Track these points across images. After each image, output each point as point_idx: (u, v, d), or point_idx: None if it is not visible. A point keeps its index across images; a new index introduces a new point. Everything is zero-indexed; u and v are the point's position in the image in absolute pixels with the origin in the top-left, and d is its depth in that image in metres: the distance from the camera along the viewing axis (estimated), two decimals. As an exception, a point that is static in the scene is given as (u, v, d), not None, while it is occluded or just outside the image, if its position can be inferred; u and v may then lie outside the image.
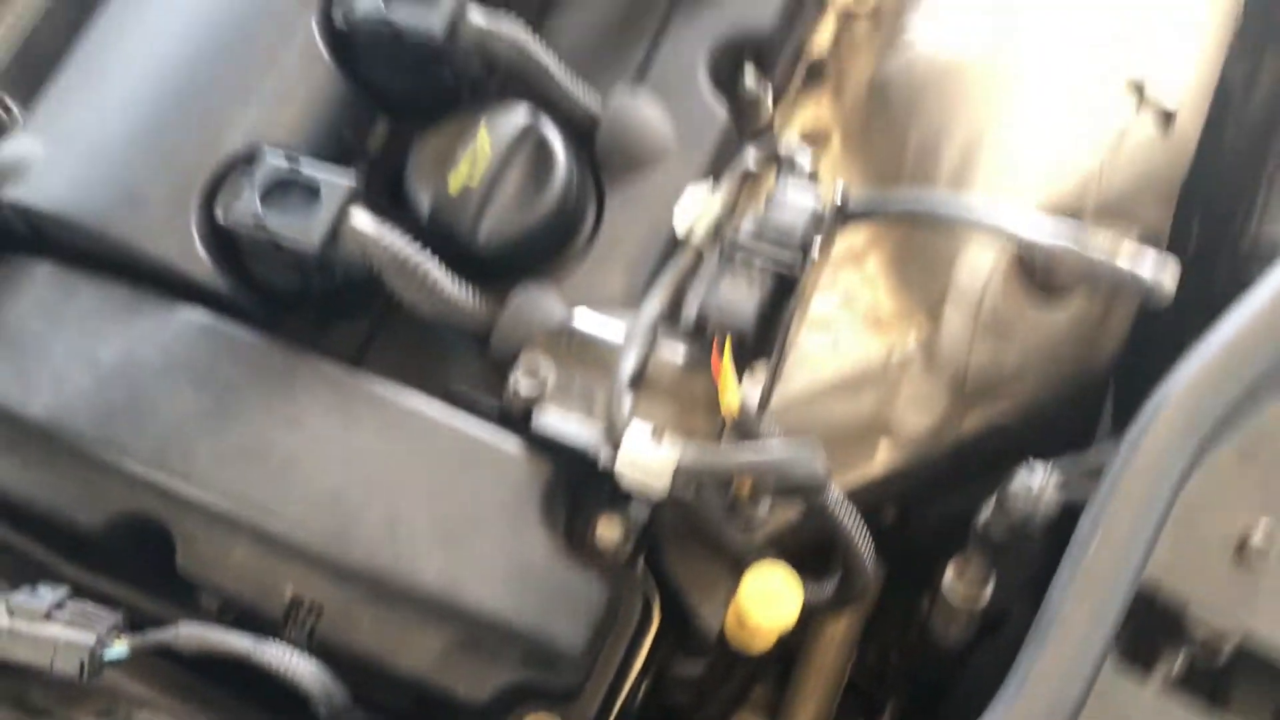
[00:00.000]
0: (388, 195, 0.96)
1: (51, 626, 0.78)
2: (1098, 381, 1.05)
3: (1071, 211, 0.97)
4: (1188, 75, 0.97)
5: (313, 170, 0.86)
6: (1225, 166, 1.18)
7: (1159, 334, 0.99)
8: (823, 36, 1.11)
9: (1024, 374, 1.00)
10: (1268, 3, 1.22)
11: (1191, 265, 1.16)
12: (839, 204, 0.88)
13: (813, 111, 1.10)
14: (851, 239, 1.02)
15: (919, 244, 1.00)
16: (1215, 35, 1.00)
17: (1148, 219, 1.00)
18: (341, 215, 0.84)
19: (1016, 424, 1.01)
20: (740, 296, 0.82)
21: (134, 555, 0.87)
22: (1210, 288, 1.10)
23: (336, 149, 0.95)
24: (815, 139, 1.09)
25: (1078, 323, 1.00)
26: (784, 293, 0.84)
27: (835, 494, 0.81)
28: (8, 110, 1.01)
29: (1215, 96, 1.15)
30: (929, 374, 0.99)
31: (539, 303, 0.89)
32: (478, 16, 0.92)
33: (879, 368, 0.99)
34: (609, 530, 0.86)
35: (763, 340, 0.84)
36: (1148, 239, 1.01)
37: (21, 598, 0.79)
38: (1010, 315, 0.98)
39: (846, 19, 1.13)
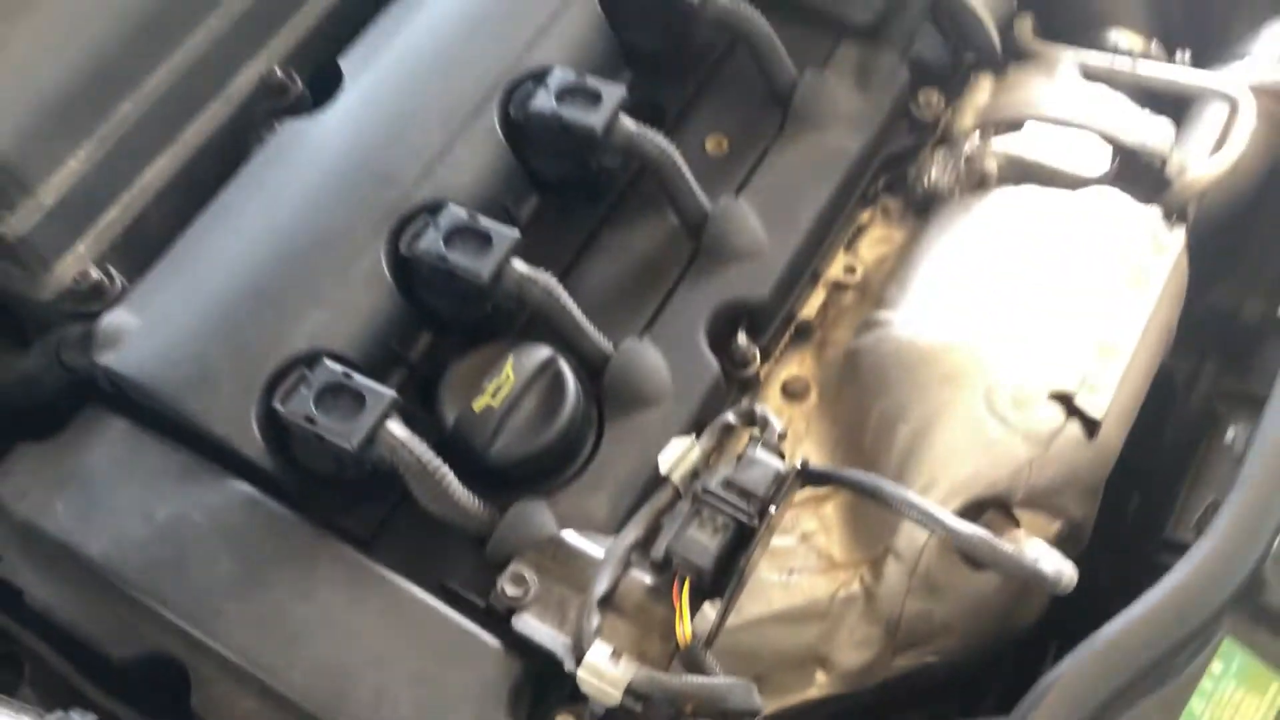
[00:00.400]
0: (419, 398, 1.11)
1: (78, 749, 0.91)
2: (1025, 636, 1.18)
3: (1004, 498, 1.12)
4: (1114, 391, 1.13)
5: (361, 381, 1.02)
6: (1163, 457, 1.34)
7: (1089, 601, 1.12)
8: (813, 302, 1.28)
9: (951, 628, 1.13)
10: (1207, 314, 1.39)
11: (1128, 540, 1.31)
12: (800, 469, 1.03)
13: (796, 368, 1.26)
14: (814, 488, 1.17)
15: (871, 504, 1.15)
16: (1142, 359, 1.17)
17: (1071, 511, 1.15)
18: (380, 422, 1.00)
19: (944, 669, 1.15)
20: (704, 541, 0.96)
21: (152, 689, 1.01)
22: (1140, 565, 1.24)
23: (383, 356, 1.12)
24: (795, 392, 1.25)
25: (1001, 589, 1.13)
26: (743, 542, 0.98)
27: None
28: (111, 280, 1.18)
29: (1159, 390, 1.31)
30: (867, 618, 1.13)
31: (533, 518, 1.04)
32: (520, 265, 1.10)
33: (824, 606, 1.13)
34: (565, 724, 0.99)
35: (719, 581, 0.98)
36: (1071, 529, 1.16)
37: (57, 716, 0.92)
38: (941, 578, 1.12)
39: (836, 288, 1.30)
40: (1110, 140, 1.24)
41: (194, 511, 1.02)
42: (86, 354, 1.10)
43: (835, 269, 1.29)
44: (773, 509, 0.99)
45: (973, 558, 1.04)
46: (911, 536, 1.11)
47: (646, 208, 1.24)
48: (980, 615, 1.14)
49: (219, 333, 1.08)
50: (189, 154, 1.24)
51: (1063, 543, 1.15)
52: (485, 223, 1.10)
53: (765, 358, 1.22)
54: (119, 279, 1.18)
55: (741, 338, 1.18)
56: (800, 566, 1.16)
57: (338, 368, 1.03)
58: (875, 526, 1.14)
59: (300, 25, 1.32)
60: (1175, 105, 1.34)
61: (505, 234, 1.08)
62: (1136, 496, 1.38)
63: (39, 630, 1.06)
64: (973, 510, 1.12)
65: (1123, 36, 1.40)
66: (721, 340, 1.18)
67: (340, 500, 1.07)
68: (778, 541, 1.15)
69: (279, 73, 1.29)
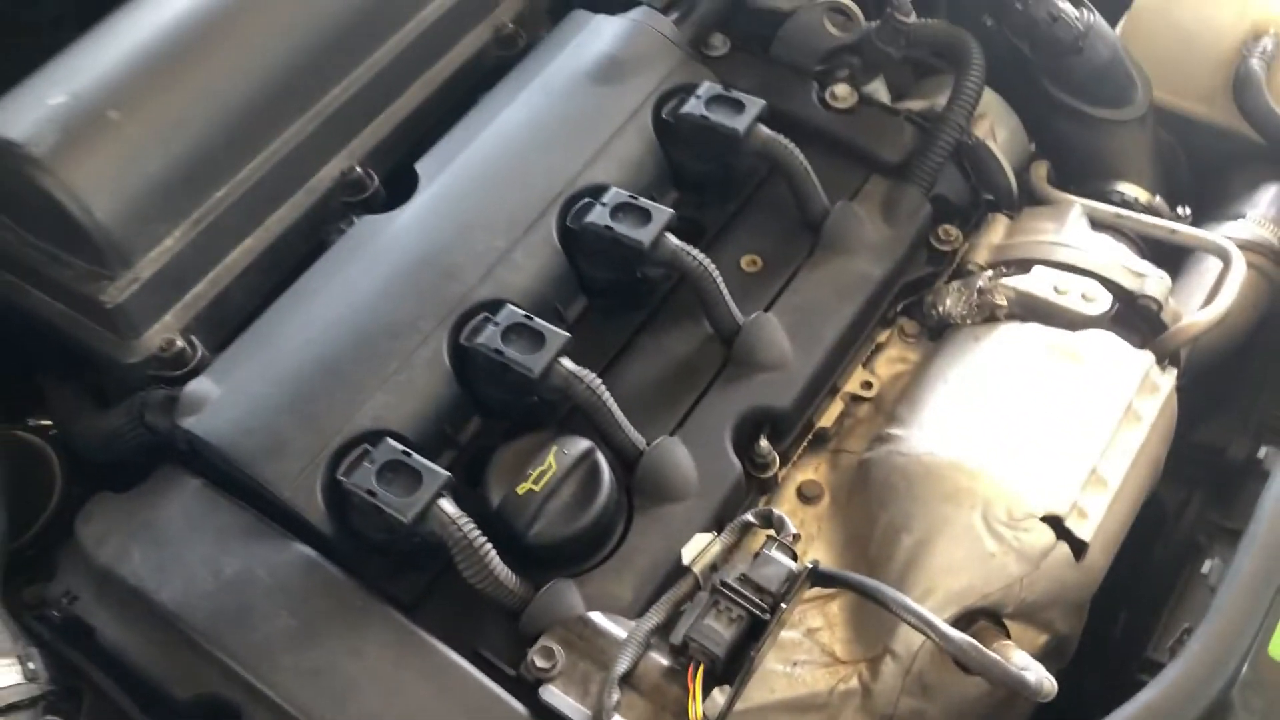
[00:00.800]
0: (465, 477, 1.22)
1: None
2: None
3: (995, 609, 1.21)
4: (1101, 518, 1.23)
5: (419, 461, 1.12)
6: (1149, 581, 1.43)
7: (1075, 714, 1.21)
8: (831, 413, 1.39)
9: (940, 728, 1.22)
10: (1197, 450, 1.49)
11: (1113, 657, 1.40)
12: (810, 569, 1.12)
13: (811, 473, 1.37)
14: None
15: (874, 605, 1.24)
16: (1130, 490, 1.27)
17: (1058, 626, 1.24)
18: (434, 500, 1.10)
19: (934, 765, 1.23)
20: (719, 630, 1.06)
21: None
22: (1123, 681, 1.33)
23: (436, 436, 1.23)
24: (810, 495, 1.35)
25: (989, 694, 1.22)
26: (755, 633, 1.08)
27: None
28: (193, 349, 1.30)
29: (1149, 518, 1.41)
30: (863, 712, 1.21)
31: (563, 597, 1.14)
32: (568, 363, 1.21)
33: (823, 698, 1.22)
34: (579, 793, 1.07)
35: (730, 668, 1.07)
36: (1057, 643, 1.26)
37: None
38: (933, 680, 1.21)
39: (853, 401, 1.41)
40: (1111, 286, 1.36)
41: (258, 568, 1.13)
42: (168, 417, 1.22)
43: (853, 383, 1.40)
44: (784, 605, 1.08)
45: (963, 663, 1.13)
46: (908, 639, 1.20)
47: (683, 316, 1.35)
48: (968, 717, 1.23)
49: (292, 406, 1.19)
50: (271, 239, 1.37)
51: (1048, 655, 1.24)
52: (539, 323, 1.21)
53: (784, 462, 1.33)
54: (200, 348, 1.30)
55: (764, 443, 1.29)
56: (804, 660, 1.25)
57: (398, 446, 1.14)
58: (875, 627, 1.23)
59: (380, 129, 1.45)
60: (1173, 256, 1.46)
61: (557, 335, 1.20)
62: (1123, 615, 1.47)
63: (105, 667, 1.15)
64: (966, 619, 1.21)
65: (1129, 189, 1.52)
66: (745, 443, 1.28)
67: (388, 567, 1.17)
68: (785, 635, 1.25)
69: (358, 170, 1.42)
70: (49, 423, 1.43)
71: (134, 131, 1.26)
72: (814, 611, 1.28)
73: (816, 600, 1.28)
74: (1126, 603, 1.45)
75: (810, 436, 1.37)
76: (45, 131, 1.22)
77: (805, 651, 1.26)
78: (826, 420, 1.38)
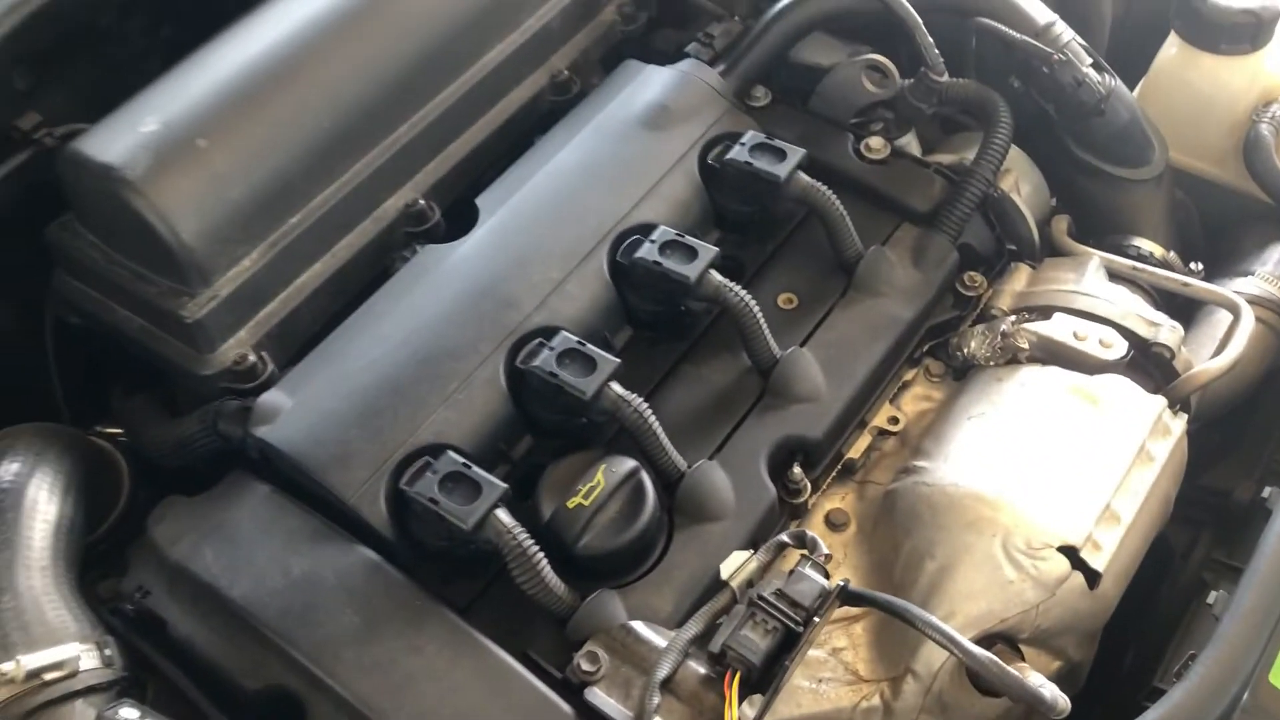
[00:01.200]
0: (517, 491, 1.30)
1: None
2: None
3: (1012, 634, 1.28)
4: (1114, 551, 1.30)
5: (478, 473, 1.21)
6: (1157, 618, 1.50)
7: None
8: (859, 445, 1.46)
9: (956, 746, 1.29)
10: (1205, 493, 1.57)
11: (1122, 689, 1.46)
12: (841, 587, 1.20)
13: (839, 502, 1.44)
14: (848, 608, 1.34)
15: (896, 626, 1.31)
16: (1142, 526, 1.34)
17: (1070, 653, 1.31)
18: (492, 509, 1.18)
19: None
20: (756, 640, 1.13)
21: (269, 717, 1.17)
22: (1130, 712, 1.39)
23: (492, 452, 1.31)
24: (837, 523, 1.43)
25: (1004, 716, 1.29)
26: (788, 645, 1.15)
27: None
28: (264, 364, 1.39)
29: (1158, 557, 1.48)
30: (884, 729, 1.29)
31: (607, 606, 1.21)
32: (617, 387, 1.29)
33: (847, 714, 1.29)
34: (617, 793, 1.14)
35: (764, 678, 1.14)
36: (1069, 669, 1.32)
37: (196, 730, 1.09)
38: (951, 700, 1.28)
39: (880, 434, 1.49)
40: (1127, 334, 1.44)
41: (324, 569, 1.20)
42: (241, 426, 1.30)
43: (880, 418, 1.48)
44: (816, 619, 1.16)
45: (982, 678, 1.20)
46: (929, 660, 1.27)
47: (722, 348, 1.44)
48: (983, 739, 1.29)
49: (359, 420, 1.27)
50: (339, 264, 1.46)
51: (1060, 681, 1.30)
52: (591, 349, 1.30)
53: (814, 490, 1.40)
54: (270, 364, 1.39)
55: (796, 470, 1.37)
56: (829, 677, 1.32)
57: (459, 459, 1.22)
58: (897, 648, 1.30)
59: (443, 165, 1.55)
60: (1186, 308, 1.54)
61: (608, 360, 1.28)
62: (1132, 650, 1.54)
63: (174, 659, 1.23)
64: (984, 643, 1.28)
65: (1145, 244, 1.61)
66: (778, 469, 1.36)
67: (443, 573, 1.24)
68: (811, 654, 1.32)
69: (422, 202, 1.51)
70: (115, 431, 1.52)
71: (220, 159, 1.35)
72: (839, 633, 1.35)
73: (841, 622, 1.35)
74: (1135, 638, 1.52)
75: (839, 467, 1.45)
76: (139, 157, 1.32)
77: (830, 670, 1.33)
78: (854, 452, 1.46)
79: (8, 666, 1.11)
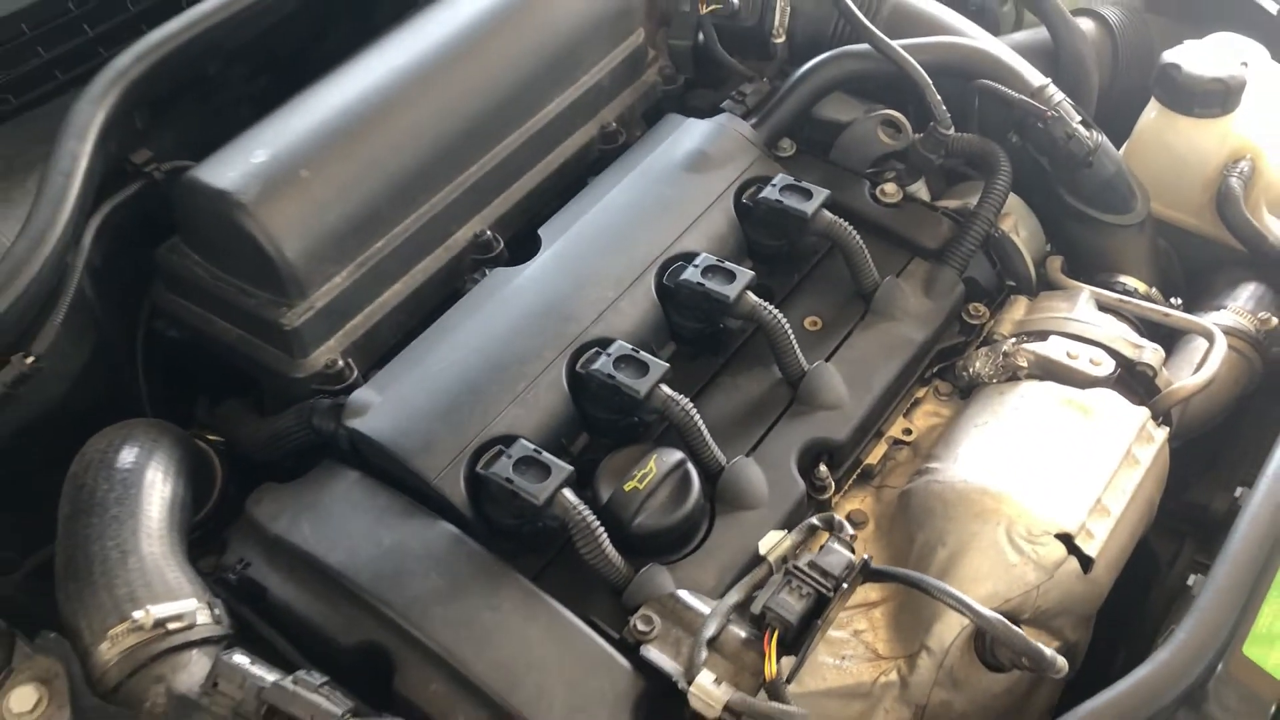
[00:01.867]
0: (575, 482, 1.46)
1: (317, 696, 1.23)
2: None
3: (1015, 614, 1.44)
4: (1105, 540, 1.47)
5: (548, 457, 1.38)
6: (1146, 621, 1.66)
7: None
8: (876, 453, 1.64)
9: (966, 718, 1.44)
10: (1187, 507, 1.74)
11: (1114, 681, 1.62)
12: (865, 561, 1.36)
13: (858, 503, 1.61)
14: (868, 593, 1.50)
15: (911, 609, 1.47)
16: (1129, 520, 1.51)
17: (1067, 634, 1.47)
18: (560, 488, 1.35)
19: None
20: (792, 603, 1.29)
21: (359, 673, 1.32)
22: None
23: (554, 446, 1.48)
24: (856, 522, 1.59)
25: (1009, 691, 1.45)
26: (820, 609, 1.31)
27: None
28: (350, 369, 1.57)
29: (1145, 566, 1.65)
30: (900, 701, 1.44)
31: (658, 578, 1.37)
32: (666, 388, 1.47)
33: (867, 688, 1.44)
34: (667, 742, 1.30)
35: (799, 638, 1.30)
36: (1066, 649, 1.48)
37: (303, 673, 1.24)
38: (962, 675, 1.43)
39: (895, 444, 1.66)
40: (1114, 354, 1.62)
41: (411, 540, 1.37)
42: (334, 420, 1.47)
43: (895, 429, 1.65)
44: (845, 586, 1.32)
45: (989, 654, 1.36)
46: (941, 637, 1.43)
47: (755, 363, 1.62)
48: (990, 711, 1.45)
49: (440, 414, 1.45)
50: (416, 284, 1.65)
51: (1058, 661, 1.47)
52: (644, 355, 1.48)
53: (837, 489, 1.57)
54: (355, 369, 1.57)
55: (822, 469, 1.54)
56: (851, 655, 1.48)
57: (530, 445, 1.39)
58: (913, 629, 1.46)
59: (506, 201, 1.75)
60: (1167, 340, 1.73)
61: (659, 365, 1.47)
62: (1123, 653, 1.70)
63: (271, 622, 1.38)
64: (990, 624, 1.44)
65: (1130, 281, 1.80)
66: (807, 468, 1.53)
67: (512, 549, 1.41)
68: (835, 634, 1.48)
69: (488, 233, 1.70)
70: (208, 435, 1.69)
71: (319, 188, 1.55)
72: (860, 616, 1.51)
73: (862, 607, 1.51)
74: (1126, 640, 1.68)
75: (859, 473, 1.62)
76: (250, 184, 1.51)
77: (852, 649, 1.48)
78: (873, 459, 1.63)
79: (139, 615, 1.27)
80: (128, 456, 1.44)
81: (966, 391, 1.69)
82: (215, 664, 1.26)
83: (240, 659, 1.26)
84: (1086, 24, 2.07)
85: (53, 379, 1.52)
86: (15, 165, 1.59)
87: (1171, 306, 1.76)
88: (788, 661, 1.31)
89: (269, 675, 1.24)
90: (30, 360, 1.43)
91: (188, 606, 1.30)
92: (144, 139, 1.68)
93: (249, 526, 1.44)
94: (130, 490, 1.41)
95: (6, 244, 1.43)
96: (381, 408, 1.46)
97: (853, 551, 1.36)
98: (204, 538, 1.52)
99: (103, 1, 1.69)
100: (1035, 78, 1.76)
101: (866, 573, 1.36)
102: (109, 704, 1.24)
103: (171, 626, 1.28)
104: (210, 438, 1.64)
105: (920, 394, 1.70)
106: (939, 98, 1.73)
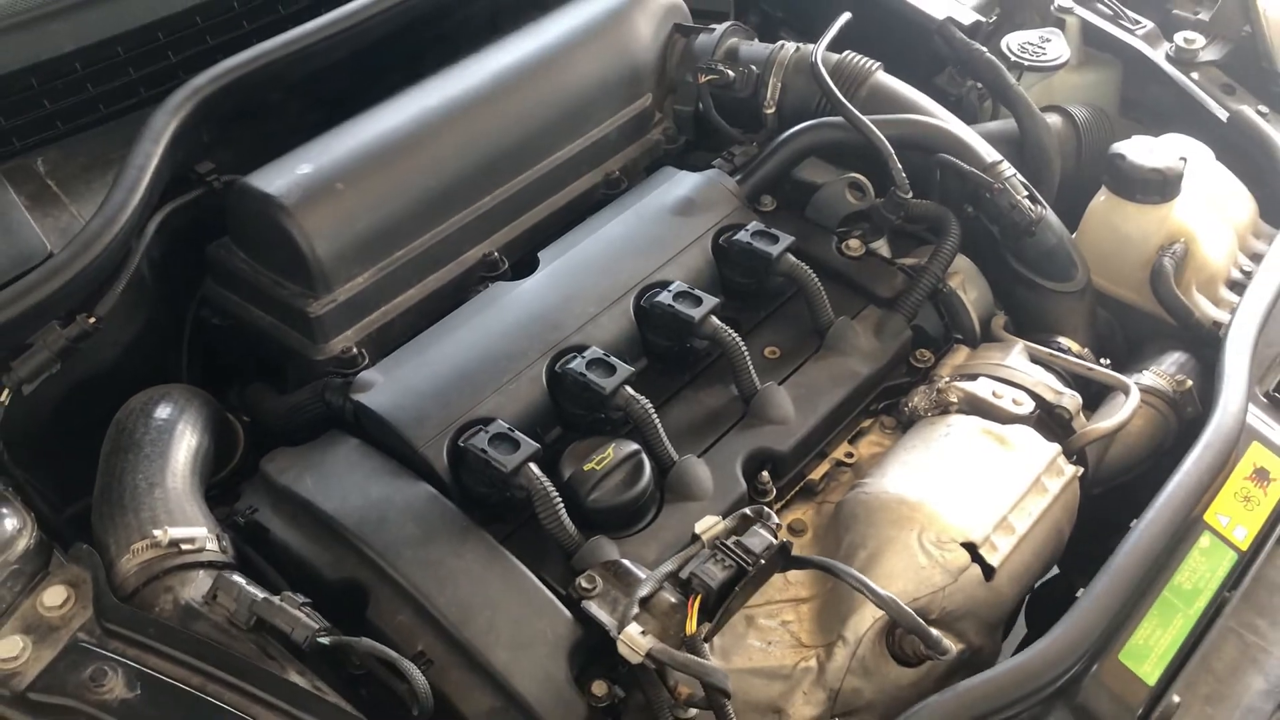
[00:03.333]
0: (545, 469, 1.68)
1: (298, 613, 1.43)
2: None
3: (924, 611, 1.61)
4: (1007, 553, 1.65)
5: (519, 435, 1.60)
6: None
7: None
8: (819, 471, 1.83)
9: (874, 706, 1.61)
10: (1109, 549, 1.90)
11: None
12: (785, 545, 1.55)
13: (799, 514, 1.80)
14: (798, 590, 1.69)
15: (833, 605, 1.66)
16: (1034, 540, 1.69)
17: (971, 638, 1.64)
18: (527, 460, 1.56)
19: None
20: (714, 572, 1.48)
21: (339, 604, 1.53)
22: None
23: (529, 434, 1.68)
24: (796, 529, 1.78)
25: (915, 685, 1.61)
26: (738, 579, 1.50)
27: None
28: (362, 356, 1.81)
29: (1065, 601, 1.81)
30: (817, 686, 1.61)
31: (604, 548, 1.58)
32: (630, 390, 1.68)
33: (788, 671, 1.62)
34: (599, 689, 1.49)
35: (718, 603, 1.49)
36: (971, 654, 1.64)
37: (289, 593, 1.46)
38: (872, 665, 1.60)
39: (837, 465, 1.86)
40: (1035, 397, 1.82)
41: (395, 495, 1.59)
42: (343, 395, 1.71)
43: (839, 452, 1.85)
44: (762, 563, 1.51)
45: (900, 632, 1.54)
46: (856, 629, 1.61)
47: (716, 381, 1.83)
48: (897, 701, 1.62)
49: (432, 394, 1.68)
50: (427, 292, 1.90)
51: (963, 665, 1.64)
52: (613, 360, 1.70)
53: (779, 498, 1.77)
54: (366, 357, 1.81)
55: (765, 475, 1.74)
56: (777, 641, 1.66)
57: (505, 425, 1.61)
58: (833, 621, 1.64)
59: (514, 230, 2.00)
60: (1096, 394, 1.92)
61: (625, 368, 1.69)
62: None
63: (270, 558, 1.60)
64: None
65: (1065, 341, 2.00)
66: (751, 473, 1.74)
67: (483, 516, 1.62)
68: (765, 622, 1.66)
69: (495, 254, 1.95)
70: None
71: (351, 200, 1.81)
72: (789, 609, 1.69)
73: (792, 601, 1.70)
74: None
75: (801, 486, 1.82)
76: (293, 190, 1.78)
77: (778, 636, 1.66)
78: (815, 475, 1.82)
79: (158, 533, 1.49)
80: (164, 410, 1.69)
81: (908, 425, 1.89)
82: (216, 580, 1.47)
83: (238, 578, 1.48)
84: (1054, 118, 2.30)
85: (108, 343, 1.77)
86: (98, 162, 1.87)
87: (1098, 363, 1.95)
88: (706, 627, 1.50)
89: (260, 593, 1.45)
90: (92, 320, 1.68)
91: (200, 533, 1.53)
92: (208, 152, 1.95)
93: (261, 480, 1.67)
94: (163, 436, 1.64)
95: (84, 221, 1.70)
96: (383, 386, 1.69)
97: (775, 537, 1.55)
98: (221, 495, 1.75)
99: (184, 34, 1.98)
100: (989, 155, 1.99)
101: (785, 556, 1.56)
102: (126, 606, 1.46)
103: (184, 547, 1.50)
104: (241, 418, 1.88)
105: (866, 425, 1.90)
106: (900, 166, 1.96)
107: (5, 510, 1.49)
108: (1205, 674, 1.60)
